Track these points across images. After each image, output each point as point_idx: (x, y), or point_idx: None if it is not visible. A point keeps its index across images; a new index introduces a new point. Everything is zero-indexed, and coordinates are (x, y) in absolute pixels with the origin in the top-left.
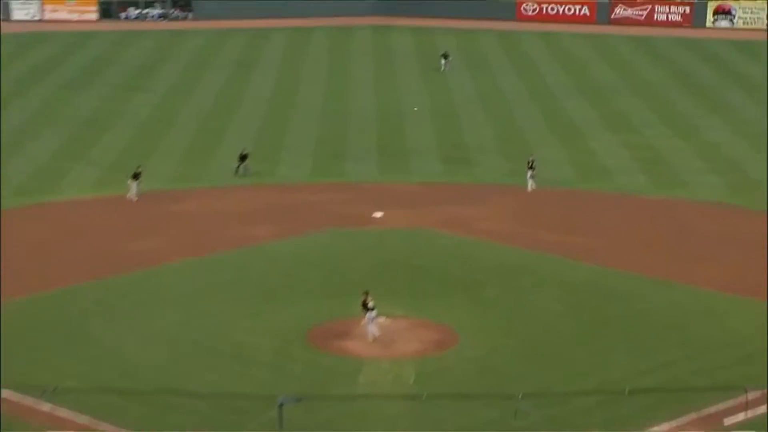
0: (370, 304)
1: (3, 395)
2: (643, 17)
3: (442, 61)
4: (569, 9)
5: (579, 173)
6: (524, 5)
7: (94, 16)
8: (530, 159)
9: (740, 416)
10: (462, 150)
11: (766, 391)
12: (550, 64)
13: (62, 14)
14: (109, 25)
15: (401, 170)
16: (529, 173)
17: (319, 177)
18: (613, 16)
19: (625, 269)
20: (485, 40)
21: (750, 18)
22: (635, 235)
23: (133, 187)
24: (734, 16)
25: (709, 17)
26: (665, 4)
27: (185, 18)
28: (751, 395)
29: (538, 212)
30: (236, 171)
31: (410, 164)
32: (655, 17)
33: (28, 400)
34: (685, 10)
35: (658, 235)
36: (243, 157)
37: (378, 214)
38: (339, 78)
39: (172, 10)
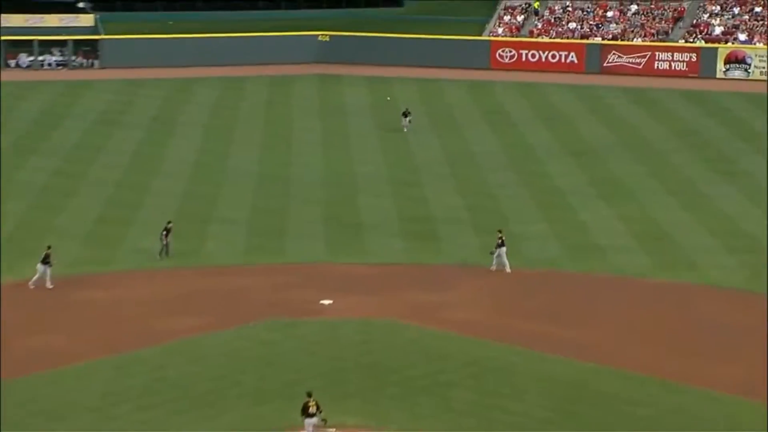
0: (311, 410)
1: None
2: (641, 66)
3: (404, 120)
4: (553, 56)
5: (567, 251)
6: (500, 51)
7: None
8: (499, 236)
9: None
10: (427, 223)
11: None
12: (530, 120)
13: None
14: None
15: (354, 248)
16: (497, 252)
17: (254, 257)
18: (605, 64)
19: (624, 367)
20: (453, 92)
21: None
22: (635, 326)
23: (43, 271)
24: (749, 66)
25: (720, 66)
26: (667, 51)
27: (90, 66)
28: None
29: (518, 299)
30: (160, 252)
31: (365, 241)
32: (656, 66)
33: None
34: (690, 58)
35: (663, 327)
36: (167, 233)
37: (326, 302)
38: (278, 137)
39: (73, 57)
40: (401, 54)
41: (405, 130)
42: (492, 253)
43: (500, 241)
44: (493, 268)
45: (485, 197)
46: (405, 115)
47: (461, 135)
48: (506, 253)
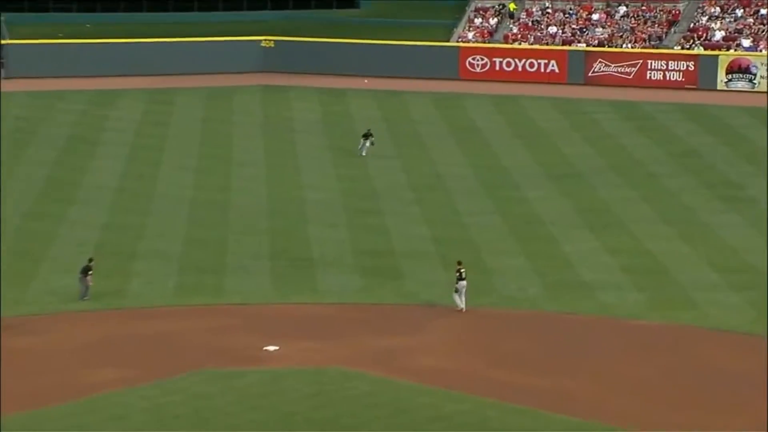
0: None
1: None
2: (631, 76)
3: (363, 143)
4: (531, 64)
5: (548, 289)
6: (470, 59)
7: None
8: (458, 268)
9: None
10: (388, 258)
11: None
12: (506, 138)
13: None
14: None
15: (304, 286)
16: (456, 287)
17: (187, 297)
18: (590, 73)
19: (613, 423)
20: (417, 107)
21: None
22: (626, 375)
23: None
24: (754, 76)
25: (721, 77)
26: (661, 59)
27: None
28: None
29: (492, 343)
30: (81, 295)
31: (316, 278)
32: (648, 76)
33: None
34: (688, 67)
35: (658, 376)
36: (86, 273)
37: (272, 348)
38: (216, 159)
39: None
40: (357, 62)
41: (363, 154)
42: (457, 291)
43: (459, 274)
44: (462, 308)
45: (455, 227)
46: (366, 137)
47: (427, 156)
48: (466, 290)
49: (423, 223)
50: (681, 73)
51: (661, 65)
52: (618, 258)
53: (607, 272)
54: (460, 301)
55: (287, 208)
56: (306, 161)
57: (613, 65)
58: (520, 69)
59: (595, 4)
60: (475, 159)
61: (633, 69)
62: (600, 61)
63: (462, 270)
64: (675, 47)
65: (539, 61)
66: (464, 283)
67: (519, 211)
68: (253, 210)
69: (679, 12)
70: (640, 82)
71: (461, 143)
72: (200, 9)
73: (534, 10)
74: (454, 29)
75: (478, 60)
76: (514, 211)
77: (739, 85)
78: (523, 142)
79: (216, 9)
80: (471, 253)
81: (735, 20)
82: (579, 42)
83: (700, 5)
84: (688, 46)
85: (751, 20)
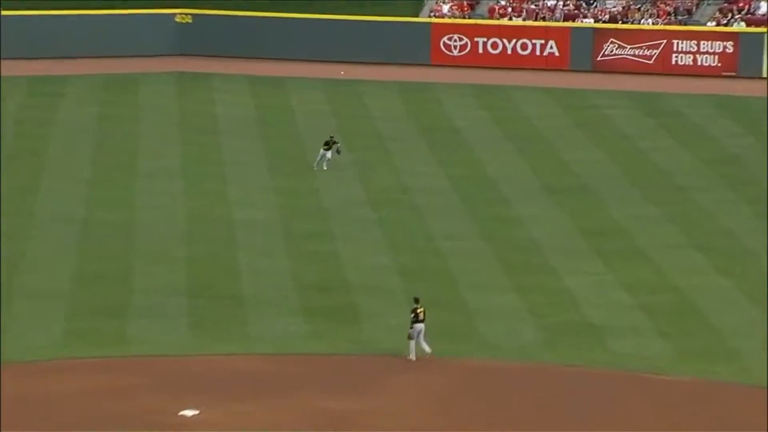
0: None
1: None
2: (651, 60)
3: (323, 154)
4: (524, 45)
5: (545, 334)
6: (446, 38)
7: None
8: (415, 307)
9: None
10: (340, 295)
11: None
12: (491, 140)
13: None
14: None
15: (232, 332)
16: (410, 332)
17: (78, 347)
18: (599, 57)
19: None
20: (378, 99)
21: None
22: None
23: None
24: None
25: None
26: (690, 38)
27: None
28: None
29: (474, 405)
30: None
31: (248, 321)
32: (674, 60)
33: None
34: (725, 48)
35: None
36: None
37: (190, 413)
38: (116, 167)
39: None
40: (301, 43)
41: (324, 168)
42: (411, 338)
43: (415, 315)
44: (414, 358)
45: (427, 254)
46: (329, 145)
47: (390, 163)
48: (423, 333)
49: (385, 249)
50: (716, 57)
51: (691, 46)
52: (636, 295)
53: (621, 313)
54: (417, 349)
55: (210, 231)
56: (234, 170)
57: (629, 47)
58: (509, 52)
59: None
60: (453, 167)
61: (655, 51)
62: (612, 42)
63: (419, 310)
64: (708, 23)
65: (534, 41)
66: (422, 326)
67: (509, 235)
68: (166, 234)
69: None
70: (663, 68)
71: (434, 147)
72: None
73: None
74: (425, 1)
75: (455, 40)
76: (502, 234)
77: None
78: (515, 146)
79: None
80: (447, 288)
81: None
82: (585, 17)
83: None
84: (725, 22)
85: None
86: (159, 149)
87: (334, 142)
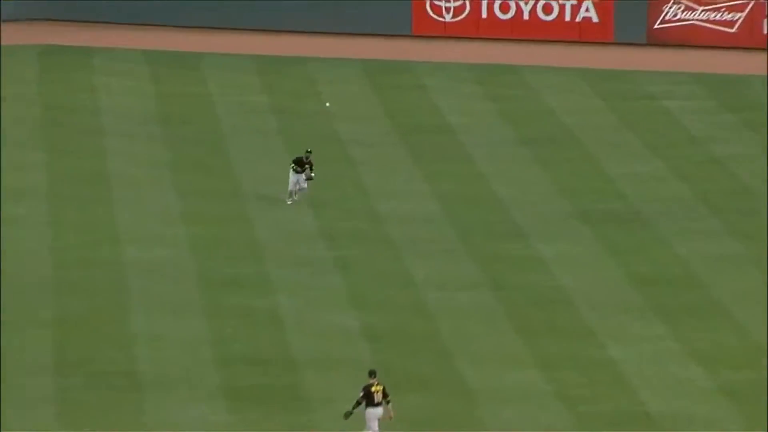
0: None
1: None
2: (734, 28)
3: (296, 180)
4: (547, 8)
5: (583, 425)
6: (434, 1)
7: None
8: (369, 384)
9: None
10: (279, 369)
11: None
12: (499, 144)
13: None
14: None
15: (123, 421)
16: (367, 416)
17: None
18: (657, 25)
19: None
20: (338, 86)
21: None
22: None
23: None
24: None
25: None
26: None
27: None
28: None
29: None
30: None
31: (145, 407)
32: (765, 29)
33: None
34: None
35: None
36: None
37: None
38: None
39: None
40: (222, 8)
41: (296, 198)
42: (348, 415)
43: (366, 395)
44: None
45: (407, 311)
46: (300, 165)
47: (355, 178)
48: (379, 420)
49: (347, 304)
50: None
51: None
52: (713, 369)
53: (692, 396)
54: None
55: (91, 279)
56: (126, 189)
57: (700, 9)
58: (526, 17)
59: None
60: (444, 184)
61: (739, 15)
62: (677, 2)
63: (376, 388)
64: None
65: (563, 2)
66: (378, 411)
67: (525, 282)
68: (27, 283)
69: None
70: (750, 40)
71: (418, 155)
72: None
73: None
74: None
75: (447, 1)
76: (515, 281)
77: None
78: (533, 153)
79: None
80: (437, 361)
81: None
82: None
83: None
84: None
85: None
86: (15, 159)
87: (309, 162)
